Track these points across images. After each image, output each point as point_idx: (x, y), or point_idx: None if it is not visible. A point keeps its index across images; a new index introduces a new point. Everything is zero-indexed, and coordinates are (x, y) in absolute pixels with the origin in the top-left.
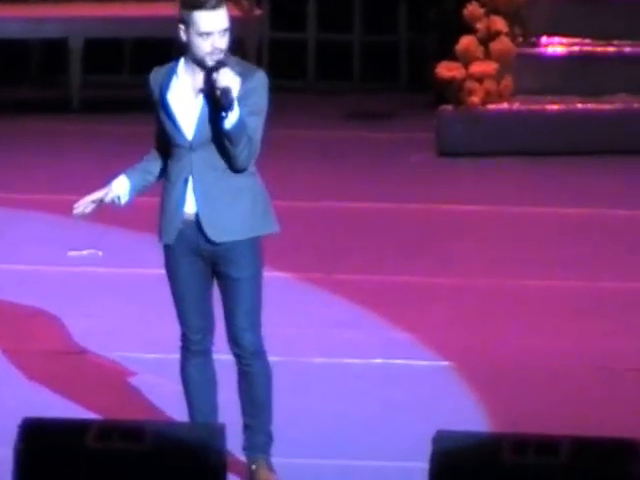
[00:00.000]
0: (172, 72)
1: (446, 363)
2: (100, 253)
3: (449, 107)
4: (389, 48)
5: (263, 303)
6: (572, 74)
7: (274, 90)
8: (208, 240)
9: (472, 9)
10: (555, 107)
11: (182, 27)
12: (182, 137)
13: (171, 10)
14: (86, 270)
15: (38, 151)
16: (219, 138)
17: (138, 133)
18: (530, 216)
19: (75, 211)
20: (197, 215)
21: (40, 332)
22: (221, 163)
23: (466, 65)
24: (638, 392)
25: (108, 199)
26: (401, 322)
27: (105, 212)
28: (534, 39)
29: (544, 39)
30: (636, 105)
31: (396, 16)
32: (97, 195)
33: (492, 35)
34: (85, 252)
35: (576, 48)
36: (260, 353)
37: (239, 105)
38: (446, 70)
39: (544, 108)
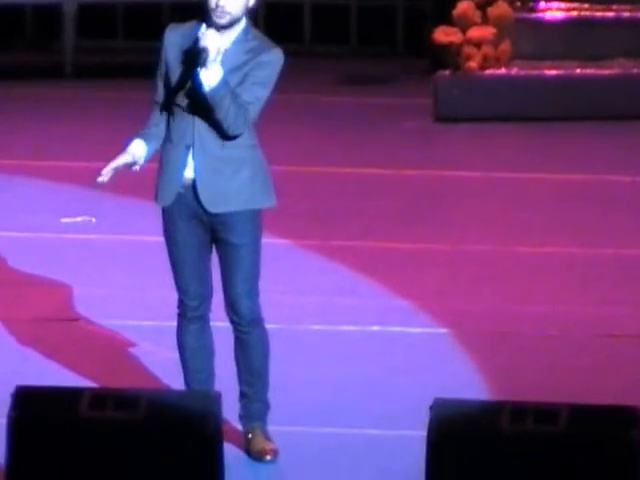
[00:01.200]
0: (192, 33)
1: (443, 330)
2: (93, 220)
3: (446, 72)
4: (386, 12)
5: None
6: (570, 39)
7: None
8: (204, 209)
9: None
10: (553, 72)
11: None
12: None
13: None
14: (79, 237)
15: (32, 116)
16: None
17: (131, 99)
18: (529, 182)
19: (98, 179)
20: (194, 182)
21: (33, 300)
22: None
23: (464, 30)
24: (638, 359)
25: (128, 164)
26: (398, 289)
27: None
28: (532, 4)
29: (542, 4)
30: (635, 70)
31: None
32: (118, 161)
33: (490, 0)
34: (79, 219)
35: (574, 13)
36: (258, 320)
37: (246, 77)
38: (443, 35)
39: (542, 73)
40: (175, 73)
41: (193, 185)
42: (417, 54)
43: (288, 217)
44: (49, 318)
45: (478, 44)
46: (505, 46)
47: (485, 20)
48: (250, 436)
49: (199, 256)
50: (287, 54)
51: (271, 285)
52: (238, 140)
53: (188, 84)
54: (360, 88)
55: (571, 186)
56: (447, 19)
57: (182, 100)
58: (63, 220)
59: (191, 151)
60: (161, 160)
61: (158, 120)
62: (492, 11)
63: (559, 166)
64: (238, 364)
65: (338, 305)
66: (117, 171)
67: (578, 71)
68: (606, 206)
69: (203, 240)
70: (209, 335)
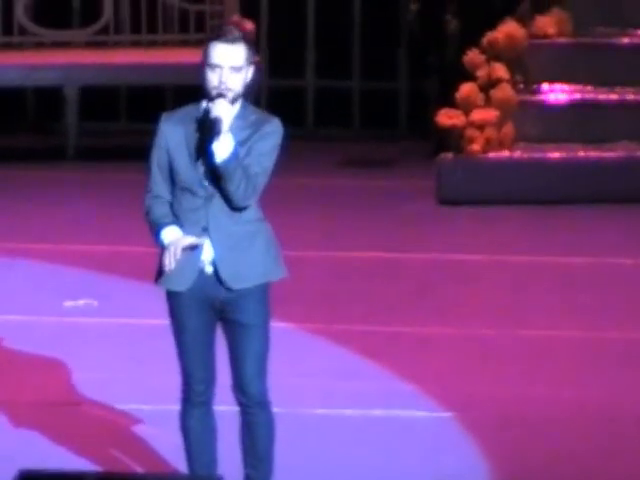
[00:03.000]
0: (193, 118)
1: (447, 414)
2: (95, 303)
3: (449, 155)
4: (389, 95)
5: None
6: (574, 122)
7: None
8: (225, 287)
9: (473, 56)
10: (557, 155)
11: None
12: (201, 187)
13: (164, 57)
14: (82, 320)
15: (34, 199)
16: (215, 175)
17: (133, 180)
18: (532, 265)
19: (168, 269)
20: (214, 263)
21: (36, 383)
22: (235, 210)
23: (467, 112)
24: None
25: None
26: (402, 372)
27: (100, 262)
28: (535, 86)
29: (545, 86)
30: (639, 152)
31: (396, 62)
32: (182, 244)
33: (493, 82)
34: (81, 302)
35: (578, 95)
36: (265, 403)
37: (249, 152)
38: (447, 118)
39: (546, 156)
40: (181, 159)
41: (214, 266)
42: (420, 137)
43: (292, 300)
44: (51, 402)
45: (481, 127)
46: (508, 129)
47: (488, 103)
48: None
49: (207, 341)
50: (290, 138)
51: (275, 368)
52: (248, 215)
53: (201, 166)
54: (363, 171)
55: (574, 269)
56: (450, 102)
57: (194, 182)
58: (66, 303)
59: (207, 233)
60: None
61: (164, 204)
62: (495, 94)
63: (562, 249)
64: (243, 447)
65: (341, 389)
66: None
67: (581, 154)
68: (609, 289)
69: (211, 324)
70: (213, 419)
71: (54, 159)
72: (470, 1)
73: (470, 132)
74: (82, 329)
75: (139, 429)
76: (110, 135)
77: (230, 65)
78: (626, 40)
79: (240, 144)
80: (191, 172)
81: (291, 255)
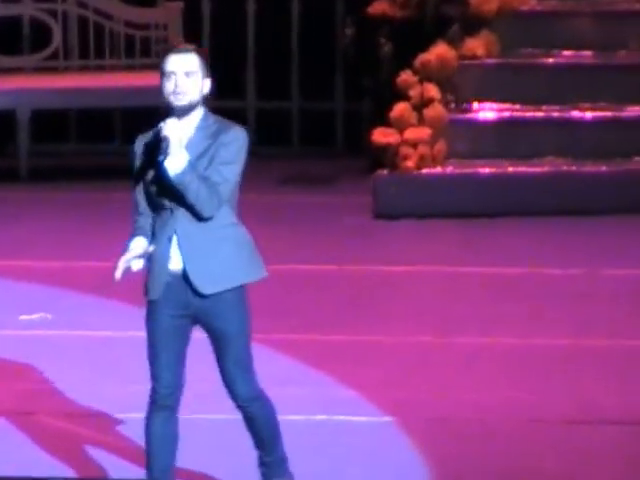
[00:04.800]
0: (156, 135)
1: (387, 418)
2: (49, 316)
3: (384, 171)
4: (326, 115)
5: (206, 360)
6: (502, 138)
7: None
8: (196, 293)
9: (406, 77)
10: (487, 170)
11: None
12: (165, 201)
13: (114, 81)
14: (36, 333)
15: None
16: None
17: (84, 200)
18: (464, 275)
19: (117, 276)
20: (184, 270)
21: None
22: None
23: (401, 131)
24: (569, 444)
25: (135, 256)
26: (342, 379)
27: (54, 277)
28: (466, 105)
29: (475, 105)
30: (565, 167)
31: (333, 84)
32: (128, 256)
33: (425, 102)
34: (35, 316)
35: (506, 113)
36: (255, 398)
37: (212, 160)
38: (381, 136)
39: (476, 172)
40: (146, 175)
41: (183, 272)
42: (356, 154)
43: None
44: (7, 411)
45: (414, 144)
46: (440, 146)
47: (421, 121)
48: None
49: (177, 347)
50: None
51: (216, 376)
52: (218, 221)
53: (152, 175)
54: (302, 188)
55: (505, 279)
56: (385, 121)
57: (156, 194)
58: (21, 317)
59: (174, 241)
60: (149, 257)
61: (143, 224)
62: (428, 112)
63: (493, 260)
64: (252, 436)
65: (283, 395)
66: (128, 266)
67: (510, 169)
68: (539, 299)
69: (183, 331)
70: (175, 426)
71: (7, 180)
72: (402, 25)
73: (404, 149)
74: (37, 341)
75: (91, 437)
76: (61, 156)
77: (184, 70)
78: (551, 60)
79: (200, 156)
80: (152, 187)
81: None
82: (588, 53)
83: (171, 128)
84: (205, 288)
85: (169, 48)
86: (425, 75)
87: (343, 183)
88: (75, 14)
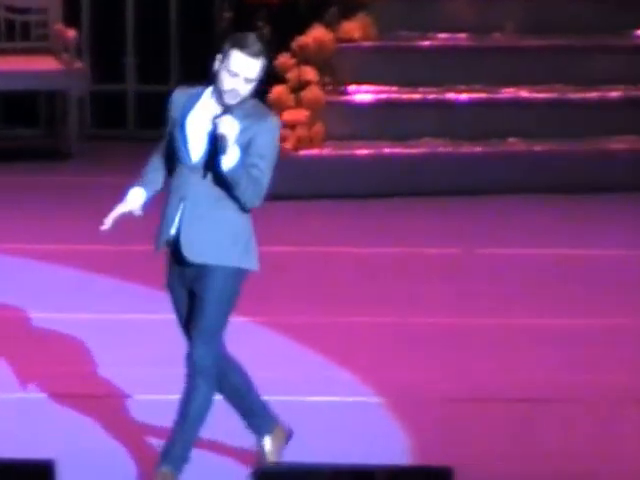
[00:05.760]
0: (197, 96)
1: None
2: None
3: None
4: None
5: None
6: (380, 120)
7: (96, 139)
8: (185, 258)
9: (283, 60)
10: (364, 152)
11: (219, 57)
12: (187, 157)
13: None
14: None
15: None
16: (219, 174)
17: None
18: (340, 256)
19: (103, 227)
20: (177, 235)
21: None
22: (215, 192)
23: (278, 113)
24: (452, 422)
25: (127, 210)
26: None
27: None
28: (343, 88)
29: (352, 87)
30: (441, 148)
31: (212, 67)
32: (120, 209)
33: (303, 84)
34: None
35: (383, 95)
36: (205, 375)
37: (249, 147)
38: None
39: (354, 153)
40: (176, 129)
41: (176, 239)
42: None
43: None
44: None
45: (292, 126)
46: (318, 128)
47: (298, 104)
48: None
49: (183, 309)
50: (113, 139)
51: None
52: (227, 203)
53: (202, 147)
54: None
55: (382, 259)
56: (262, 103)
57: (188, 159)
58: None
59: (182, 205)
60: (163, 208)
61: (157, 166)
62: (305, 95)
63: (371, 240)
64: (179, 409)
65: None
66: (119, 219)
67: (387, 150)
68: (417, 278)
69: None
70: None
71: None
72: (280, 8)
73: (282, 131)
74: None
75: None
76: None
77: (246, 76)
78: (427, 43)
79: (240, 132)
80: (180, 142)
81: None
82: (463, 35)
83: (228, 125)
84: (191, 256)
85: (243, 43)
86: (303, 58)
87: None
88: None
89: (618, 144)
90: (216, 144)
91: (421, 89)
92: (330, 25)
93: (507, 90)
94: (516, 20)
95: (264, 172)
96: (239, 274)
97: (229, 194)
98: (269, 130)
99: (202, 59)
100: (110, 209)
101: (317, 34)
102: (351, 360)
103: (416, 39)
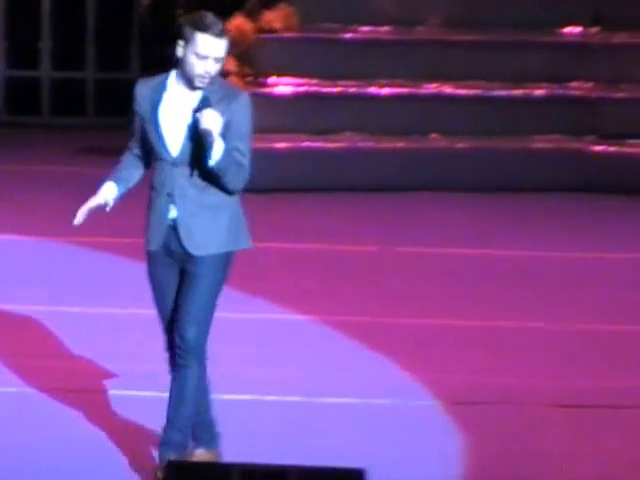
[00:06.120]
0: (162, 86)
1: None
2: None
3: None
4: (122, 85)
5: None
6: (300, 113)
7: (10, 126)
8: (185, 249)
9: None
10: (283, 145)
11: (181, 43)
12: (167, 152)
13: None
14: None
15: None
16: (206, 167)
17: None
18: (261, 251)
19: (76, 221)
20: (176, 224)
21: None
22: (200, 182)
23: None
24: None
25: (99, 204)
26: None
27: None
28: (263, 79)
29: (272, 79)
30: (361, 143)
31: (129, 54)
32: (91, 203)
33: (222, 74)
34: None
35: (303, 88)
36: (199, 353)
37: (227, 130)
38: None
39: (272, 146)
40: (149, 125)
41: (175, 229)
42: None
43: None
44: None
45: None
46: None
47: None
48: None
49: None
50: (27, 126)
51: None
52: (216, 188)
53: (180, 140)
54: (99, 159)
55: (300, 255)
56: None
57: (167, 155)
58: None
59: (172, 198)
60: (149, 207)
61: (130, 164)
62: None
63: (287, 236)
64: (171, 392)
65: None
66: (91, 212)
67: (306, 144)
68: (331, 274)
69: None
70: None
71: None
72: None
73: None
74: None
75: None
76: None
77: (216, 56)
78: (348, 35)
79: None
80: (155, 138)
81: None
82: (387, 28)
83: (211, 120)
84: (193, 249)
85: (205, 24)
86: None
87: None
88: None
89: (542, 143)
90: (199, 139)
91: (342, 82)
92: (251, 15)
93: (430, 85)
94: (441, 14)
95: (245, 153)
96: (231, 255)
97: (215, 184)
98: (243, 108)
99: (119, 46)
100: (22, 197)
101: (237, 23)
102: (255, 355)
103: (338, 31)
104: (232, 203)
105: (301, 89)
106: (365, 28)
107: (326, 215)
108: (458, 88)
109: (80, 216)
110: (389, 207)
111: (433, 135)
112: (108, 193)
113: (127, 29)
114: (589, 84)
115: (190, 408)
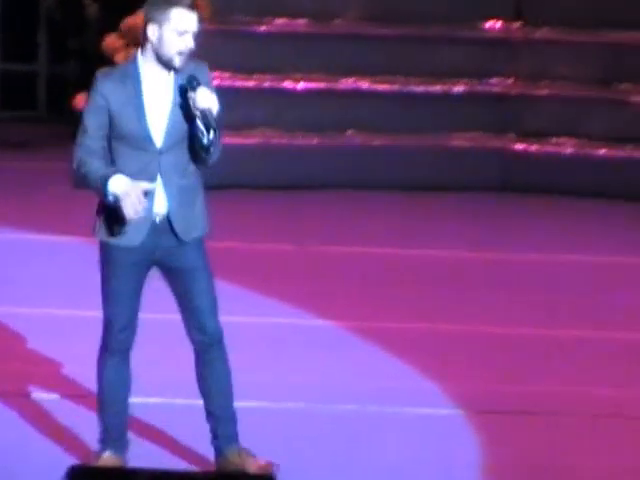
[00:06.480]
0: (135, 76)
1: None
2: None
3: None
4: (28, 77)
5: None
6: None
7: None
8: (177, 238)
9: (111, 40)
10: None
11: (153, 26)
12: (150, 144)
13: None
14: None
15: None
16: (196, 147)
17: None
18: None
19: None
20: (168, 216)
21: None
22: (182, 162)
23: None
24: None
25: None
26: None
27: None
28: None
29: None
30: (275, 139)
31: (35, 45)
32: (141, 188)
33: None
34: None
35: (215, 81)
36: (221, 340)
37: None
38: (84, 101)
39: None
40: (128, 118)
41: (167, 219)
42: (59, 120)
43: None
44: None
45: None
46: None
47: None
48: (236, 458)
49: (137, 291)
50: None
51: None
52: (191, 167)
53: (164, 129)
54: (3, 152)
55: (233, 254)
56: (89, 86)
57: (152, 145)
58: None
59: (159, 186)
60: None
61: (100, 159)
62: None
63: (220, 234)
64: (206, 389)
65: None
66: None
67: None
68: (266, 274)
69: (144, 274)
70: (128, 369)
71: None
72: None
73: None
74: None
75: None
76: None
77: (193, 30)
78: (263, 28)
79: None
80: (139, 130)
81: None
82: (302, 21)
83: (208, 99)
84: (186, 235)
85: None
86: (132, 39)
87: (44, 149)
88: None
89: (461, 141)
90: (192, 120)
91: (256, 76)
92: None
93: (346, 80)
94: (359, 7)
95: (217, 123)
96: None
97: (198, 162)
98: (206, 75)
99: (25, 36)
100: None
101: None
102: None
103: (252, 23)
104: (201, 184)
105: (214, 82)
106: (280, 21)
107: (240, 213)
108: (375, 83)
109: (139, 211)
110: (300, 205)
111: (349, 131)
112: (128, 180)
113: (34, 19)
114: (510, 80)
115: (232, 396)
